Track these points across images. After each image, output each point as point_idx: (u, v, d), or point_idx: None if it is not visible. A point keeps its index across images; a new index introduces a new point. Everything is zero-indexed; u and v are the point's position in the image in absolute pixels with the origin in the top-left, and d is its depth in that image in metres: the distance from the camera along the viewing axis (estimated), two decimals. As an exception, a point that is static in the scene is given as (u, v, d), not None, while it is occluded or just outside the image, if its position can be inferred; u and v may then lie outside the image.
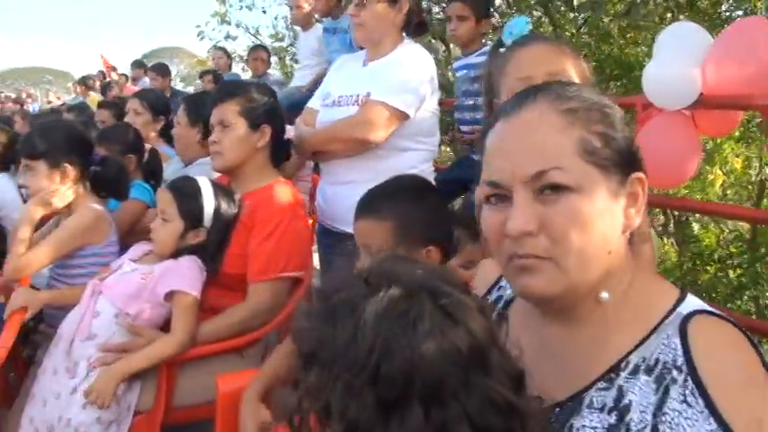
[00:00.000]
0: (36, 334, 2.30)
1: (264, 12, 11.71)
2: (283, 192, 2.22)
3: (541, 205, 0.80)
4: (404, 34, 2.41)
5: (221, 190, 2.17)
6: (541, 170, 0.80)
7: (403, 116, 2.26)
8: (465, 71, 3.33)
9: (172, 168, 3.09)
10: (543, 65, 1.40)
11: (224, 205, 2.15)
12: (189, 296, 2.03)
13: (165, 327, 2.04)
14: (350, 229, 2.32)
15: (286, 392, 0.74)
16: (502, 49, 1.63)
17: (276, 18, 11.69)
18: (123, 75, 10.89)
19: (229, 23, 11.50)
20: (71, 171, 2.24)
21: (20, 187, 3.52)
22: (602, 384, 0.81)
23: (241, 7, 11.48)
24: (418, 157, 2.38)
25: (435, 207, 1.62)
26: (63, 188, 2.24)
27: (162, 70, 7.38)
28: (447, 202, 2.72)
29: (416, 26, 2.45)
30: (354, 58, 2.54)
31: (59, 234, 2.19)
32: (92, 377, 1.89)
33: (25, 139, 2.26)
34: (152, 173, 2.94)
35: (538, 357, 0.86)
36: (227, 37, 11.55)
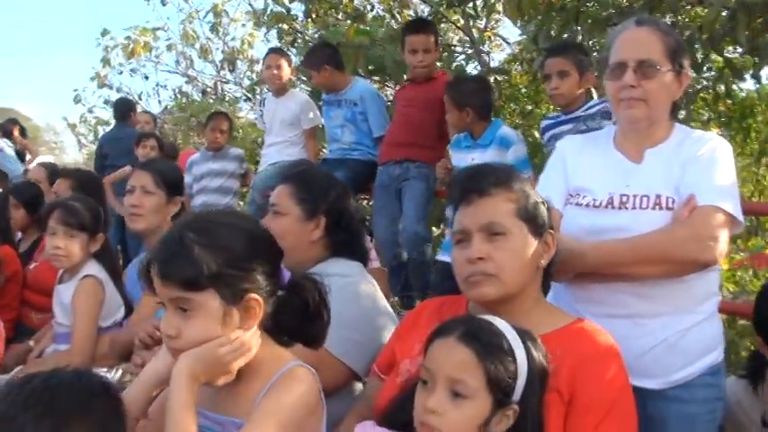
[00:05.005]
0: None
1: (147, 78, 10.42)
2: (602, 337, 1.44)
3: None
4: None
5: (528, 337, 1.33)
6: None
7: (737, 227, 1.63)
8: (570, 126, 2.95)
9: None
10: None
11: (539, 364, 1.31)
12: None
13: None
14: (647, 383, 1.60)
15: None
16: None
17: (157, 86, 10.54)
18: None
19: (111, 87, 10.26)
20: (258, 306, 1.26)
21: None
22: None
23: (121, 72, 10.34)
24: (718, 280, 1.74)
25: None
26: (248, 335, 1.25)
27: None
28: None
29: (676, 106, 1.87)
30: (594, 142, 1.86)
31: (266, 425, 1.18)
32: None
33: (176, 253, 1.19)
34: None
35: None
36: (107, 102, 10.27)
